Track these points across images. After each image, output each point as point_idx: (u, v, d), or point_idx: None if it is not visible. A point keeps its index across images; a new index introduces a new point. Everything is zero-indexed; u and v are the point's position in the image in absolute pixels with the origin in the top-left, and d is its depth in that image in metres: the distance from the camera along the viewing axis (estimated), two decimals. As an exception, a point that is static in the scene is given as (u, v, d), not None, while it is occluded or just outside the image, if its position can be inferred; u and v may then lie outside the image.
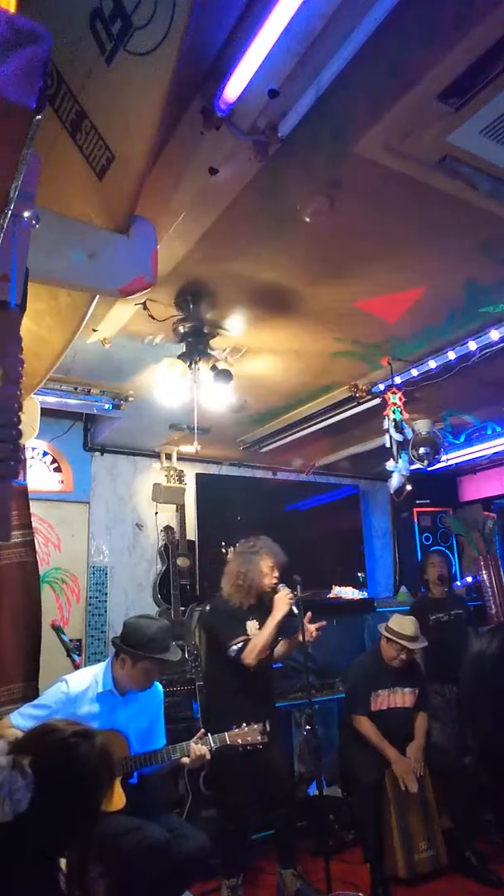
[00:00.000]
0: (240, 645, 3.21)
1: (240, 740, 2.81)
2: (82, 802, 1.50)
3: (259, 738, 2.81)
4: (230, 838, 3.29)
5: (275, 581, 3.34)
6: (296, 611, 3.22)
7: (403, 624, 3.72)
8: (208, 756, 2.76)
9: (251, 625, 3.29)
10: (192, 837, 2.64)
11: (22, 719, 2.59)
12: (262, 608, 3.33)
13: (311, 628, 3.27)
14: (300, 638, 3.24)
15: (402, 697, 3.75)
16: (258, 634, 3.22)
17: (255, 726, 2.83)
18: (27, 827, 1.39)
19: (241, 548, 3.50)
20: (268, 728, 2.86)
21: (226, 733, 2.82)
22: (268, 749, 3.03)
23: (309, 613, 3.29)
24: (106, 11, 1.49)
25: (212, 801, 3.62)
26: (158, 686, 2.98)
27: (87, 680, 2.76)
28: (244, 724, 2.84)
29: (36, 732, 1.60)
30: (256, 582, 3.33)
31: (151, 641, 2.73)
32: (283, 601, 3.22)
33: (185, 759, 2.75)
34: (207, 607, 3.79)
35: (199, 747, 2.75)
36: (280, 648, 3.44)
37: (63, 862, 1.54)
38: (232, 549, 4.53)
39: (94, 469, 4.89)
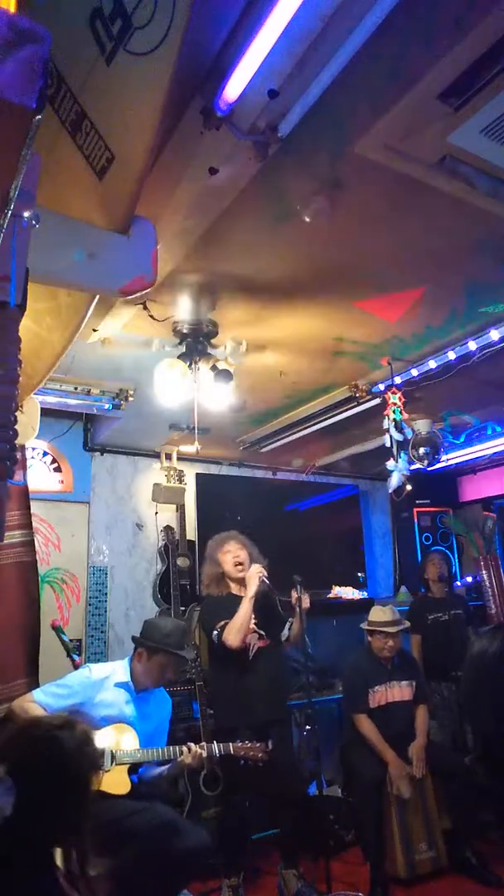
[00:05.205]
0: (219, 629, 3.22)
1: (242, 753, 2.88)
2: (70, 791, 1.49)
3: (260, 755, 2.87)
4: (232, 837, 3.29)
5: (239, 563, 3.39)
6: (268, 583, 3.25)
7: (380, 613, 3.85)
8: (205, 754, 2.79)
9: None
10: (191, 833, 2.65)
11: (44, 695, 2.68)
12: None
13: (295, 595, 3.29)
14: (298, 613, 3.25)
15: (399, 691, 3.77)
16: (236, 614, 3.22)
17: (259, 744, 2.90)
18: (18, 829, 1.39)
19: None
20: (270, 746, 2.91)
21: (230, 744, 2.88)
22: (274, 748, 3.02)
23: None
24: (106, 11, 1.49)
25: (213, 799, 3.62)
26: (168, 696, 3.07)
27: (108, 669, 2.90)
28: (247, 742, 2.91)
29: (11, 734, 1.60)
30: (219, 571, 3.42)
31: (167, 637, 2.87)
32: (252, 578, 3.26)
33: (186, 756, 2.77)
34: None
35: (198, 748, 2.78)
36: (297, 629, 3.37)
37: (61, 861, 1.54)
38: None
39: (94, 469, 4.89)
